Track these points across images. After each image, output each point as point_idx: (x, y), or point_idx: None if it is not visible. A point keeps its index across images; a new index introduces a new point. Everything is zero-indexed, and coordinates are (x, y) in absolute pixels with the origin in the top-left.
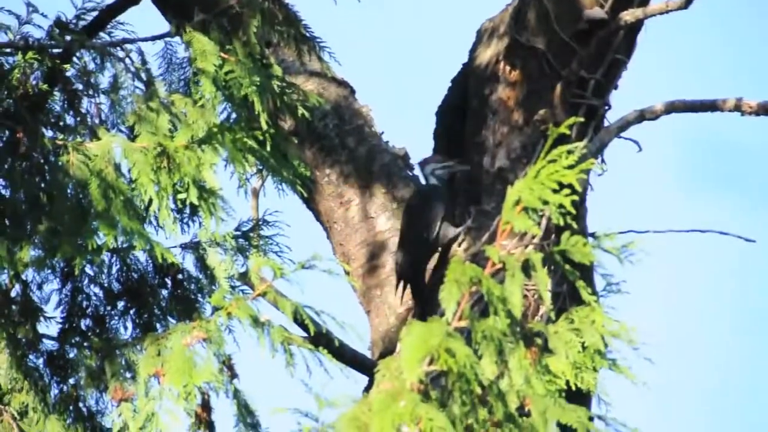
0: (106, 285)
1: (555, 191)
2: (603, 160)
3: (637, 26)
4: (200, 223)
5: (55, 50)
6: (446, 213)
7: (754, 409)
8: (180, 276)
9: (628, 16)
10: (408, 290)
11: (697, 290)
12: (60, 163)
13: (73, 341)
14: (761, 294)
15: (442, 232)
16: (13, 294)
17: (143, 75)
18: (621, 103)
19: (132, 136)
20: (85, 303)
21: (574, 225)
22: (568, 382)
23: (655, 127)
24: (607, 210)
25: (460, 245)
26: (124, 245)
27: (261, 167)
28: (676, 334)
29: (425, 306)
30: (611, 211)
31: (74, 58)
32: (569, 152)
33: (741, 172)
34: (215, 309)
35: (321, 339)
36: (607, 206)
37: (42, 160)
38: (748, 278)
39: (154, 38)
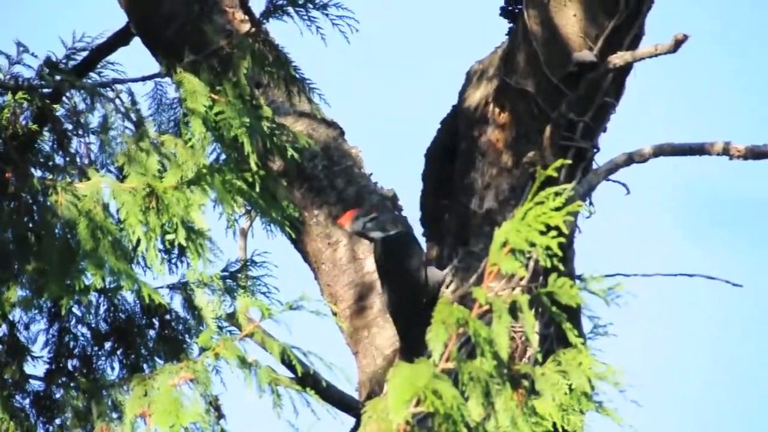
0: (93, 325)
1: (542, 233)
2: (591, 203)
3: (626, 69)
4: (188, 264)
5: (45, 90)
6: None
7: None
8: (167, 316)
9: (617, 59)
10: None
11: (684, 334)
12: (48, 203)
13: (59, 381)
14: (748, 339)
15: (430, 274)
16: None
17: (133, 115)
18: (610, 145)
19: (121, 177)
20: (72, 343)
21: (562, 267)
22: (554, 424)
23: (643, 170)
24: (594, 253)
25: (447, 287)
26: (112, 285)
27: (250, 208)
28: (663, 377)
29: (412, 348)
30: (599, 253)
31: (64, 98)
32: (557, 194)
33: (730, 217)
34: (202, 349)
35: (308, 380)
36: (595, 249)
37: (30, 200)
38: (735, 323)
39: (144, 78)
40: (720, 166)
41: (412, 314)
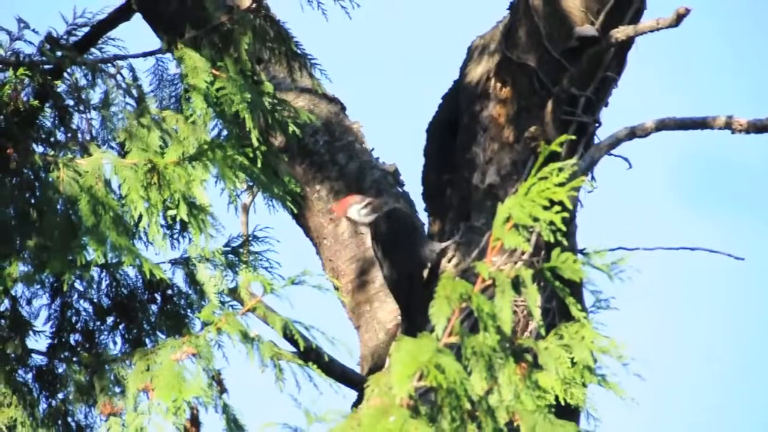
0: (95, 300)
1: (545, 208)
2: (593, 177)
3: (627, 43)
4: (190, 239)
5: (46, 66)
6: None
7: (744, 425)
8: (169, 291)
9: (619, 33)
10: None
11: (687, 307)
12: (50, 179)
13: (62, 356)
14: (750, 312)
15: (428, 248)
16: (2, 309)
17: (134, 91)
18: (612, 120)
19: (122, 153)
20: (74, 318)
21: (564, 242)
22: (557, 398)
23: (646, 144)
24: (597, 227)
25: (450, 261)
26: (114, 261)
27: (251, 183)
28: (665, 350)
29: (414, 322)
30: (601, 228)
31: (65, 74)
32: (560, 169)
33: (732, 190)
34: (205, 324)
35: (310, 354)
36: (598, 223)
37: (32, 176)
38: (737, 296)
39: (145, 54)
40: (722, 139)
41: (412, 288)
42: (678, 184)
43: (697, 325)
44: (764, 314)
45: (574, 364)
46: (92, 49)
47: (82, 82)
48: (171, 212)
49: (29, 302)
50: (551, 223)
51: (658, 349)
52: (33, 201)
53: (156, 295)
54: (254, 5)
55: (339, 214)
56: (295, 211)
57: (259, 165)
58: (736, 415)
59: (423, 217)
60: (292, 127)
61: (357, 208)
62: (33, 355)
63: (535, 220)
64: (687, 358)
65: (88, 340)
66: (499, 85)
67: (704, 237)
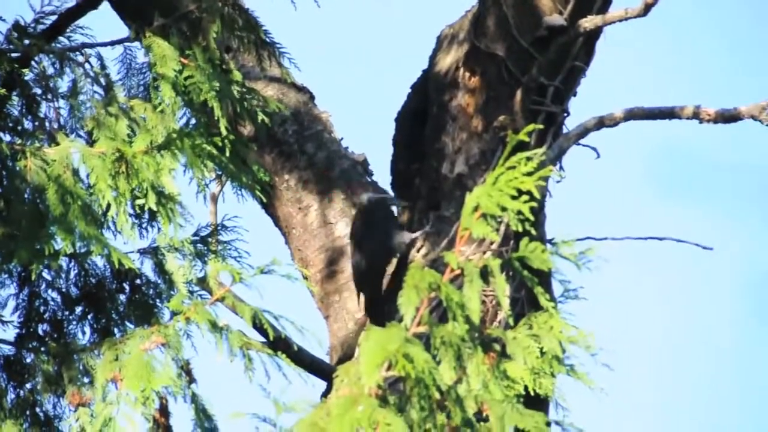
0: (63, 290)
1: (514, 198)
2: (562, 167)
3: (596, 33)
4: (159, 229)
5: (14, 54)
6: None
7: (710, 415)
8: (138, 281)
9: (587, 23)
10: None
11: (654, 297)
12: (18, 168)
13: (30, 346)
14: (717, 301)
15: (398, 238)
16: None
17: (102, 80)
18: (580, 110)
19: (90, 142)
20: (42, 308)
21: (533, 231)
22: (526, 388)
23: (614, 134)
24: (565, 217)
25: (419, 251)
26: (82, 250)
27: (220, 173)
28: (633, 340)
29: (380, 312)
30: (570, 218)
31: (33, 63)
32: (528, 159)
33: (699, 180)
34: (173, 314)
35: (280, 344)
36: (566, 213)
37: None
38: (704, 286)
39: (113, 43)
40: (691, 130)
41: (380, 278)
42: (647, 174)
43: (664, 314)
44: (731, 303)
45: (542, 354)
46: (60, 38)
47: (50, 70)
48: (139, 201)
49: None
50: (519, 212)
51: (627, 340)
52: (0, 190)
53: (124, 284)
54: None
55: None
56: (264, 200)
57: (227, 154)
58: (706, 404)
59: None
60: (261, 116)
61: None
62: (1, 344)
63: (503, 209)
64: (655, 348)
65: (56, 329)
66: (468, 74)
67: (675, 227)
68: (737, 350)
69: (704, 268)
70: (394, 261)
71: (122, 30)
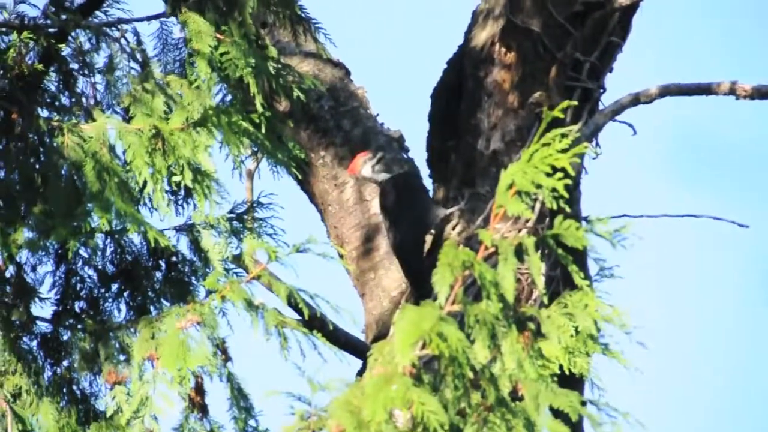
0: (100, 267)
1: (548, 175)
2: (597, 144)
3: (632, 8)
4: (195, 206)
5: (51, 30)
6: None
7: (747, 394)
8: (174, 259)
9: None
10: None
11: (690, 275)
12: (55, 144)
13: (66, 323)
14: (754, 280)
15: (433, 213)
16: (7, 275)
17: (138, 56)
18: (616, 86)
19: (127, 118)
20: (79, 285)
21: (568, 209)
22: (560, 367)
23: (650, 110)
24: (601, 194)
25: (453, 228)
26: (118, 228)
27: (256, 149)
28: (669, 319)
29: (420, 288)
30: (605, 195)
31: (69, 38)
32: (563, 136)
33: (735, 158)
34: (209, 292)
35: (315, 322)
36: (601, 190)
37: (37, 141)
38: (741, 264)
39: (149, 18)
40: (727, 107)
41: (418, 254)
42: (683, 152)
43: (700, 292)
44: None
45: (577, 332)
46: (97, 12)
47: (87, 45)
48: (176, 178)
49: (34, 269)
50: (554, 189)
51: (662, 318)
52: (38, 166)
53: (160, 262)
54: None
55: (353, 174)
56: (300, 177)
57: (263, 130)
58: (741, 382)
59: (427, 183)
60: (296, 92)
61: (369, 164)
62: (38, 322)
63: (538, 186)
64: (690, 326)
65: (92, 307)
66: (503, 50)
67: (709, 204)
68: None
69: (740, 245)
70: (429, 238)
71: (158, 5)
